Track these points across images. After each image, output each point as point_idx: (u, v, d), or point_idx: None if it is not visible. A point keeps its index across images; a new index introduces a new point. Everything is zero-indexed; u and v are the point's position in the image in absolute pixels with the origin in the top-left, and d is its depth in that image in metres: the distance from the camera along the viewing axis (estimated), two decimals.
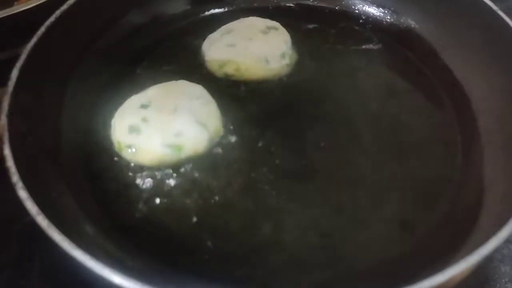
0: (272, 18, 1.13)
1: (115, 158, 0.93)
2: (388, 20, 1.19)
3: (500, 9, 0.97)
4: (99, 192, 0.89)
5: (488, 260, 0.93)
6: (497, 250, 0.91)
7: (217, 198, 0.87)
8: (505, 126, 0.92)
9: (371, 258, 0.81)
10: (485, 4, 0.99)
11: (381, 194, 0.89)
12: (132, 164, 0.92)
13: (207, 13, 1.21)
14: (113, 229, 0.84)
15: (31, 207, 0.71)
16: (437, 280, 0.65)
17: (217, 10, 1.22)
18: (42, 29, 0.93)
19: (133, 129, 0.91)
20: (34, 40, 0.91)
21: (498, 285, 0.90)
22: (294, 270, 0.80)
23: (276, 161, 0.92)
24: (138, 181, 0.90)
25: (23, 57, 0.88)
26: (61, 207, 0.81)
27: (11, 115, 0.82)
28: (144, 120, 0.92)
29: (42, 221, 0.70)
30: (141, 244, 0.83)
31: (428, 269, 0.70)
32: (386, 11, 1.20)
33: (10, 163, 0.76)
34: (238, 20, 1.13)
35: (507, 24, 0.95)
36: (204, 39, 1.11)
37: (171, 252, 0.82)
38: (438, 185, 0.91)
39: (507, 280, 0.91)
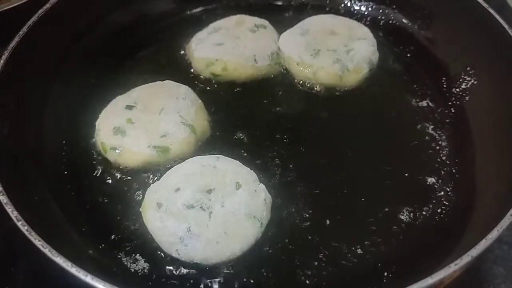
0: (260, 16, 1.12)
1: (100, 160, 0.91)
2: (382, 18, 1.18)
3: (491, 6, 0.96)
4: (83, 195, 0.88)
5: (481, 261, 0.92)
6: (490, 251, 0.91)
7: None
8: (497, 126, 0.91)
9: (363, 259, 0.80)
10: (476, 1, 0.98)
11: (374, 195, 0.88)
12: (117, 166, 0.90)
13: (194, 11, 1.20)
14: (96, 234, 0.82)
15: (11, 212, 0.70)
16: (427, 282, 0.64)
17: (204, 8, 1.20)
18: (24, 29, 0.91)
19: (118, 131, 0.89)
20: (16, 40, 0.90)
21: (491, 285, 0.89)
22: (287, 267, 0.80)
23: (265, 161, 0.91)
24: (123, 183, 0.89)
25: (4, 57, 0.86)
26: (43, 211, 0.79)
27: None
28: (129, 121, 0.90)
29: (23, 227, 0.68)
30: (127, 249, 0.81)
31: (420, 270, 0.69)
32: (380, 9, 1.18)
33: None
34: (226, 18, 1.11)
35: (498, 22, 0.94)
36: (191, 38, 1.09)
37: (157, 258, 0.80)
38: (430, 185, 0.90)
39: (500, 280, 0.90)
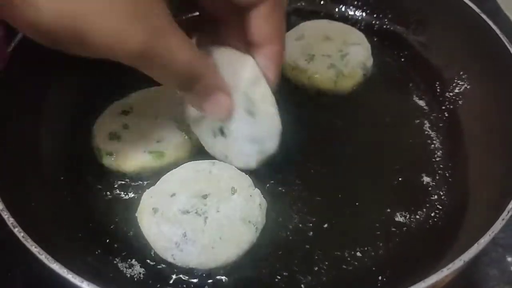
0: None
1: (96, 166, 0.91)
2: (376, 23, 1.19)
3: (482, 11, 0.98)
4: (79, 201, 0.87)
5: (476, 263, 0.92)
6: (485, 254, 0.92)
7: None
8: (489, 130, 0.92)
9: (358, 263, 0.81)
10: (468, 6, 0.99)
11: (369, 199, 0.89)
12: (113, 172, 0.90)
13: (190, 15, 1.19)
14: (92, 240, 0.82)
15: (8, 219, 0.70)
16: (420, 286, 0.65)
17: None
18: (21, 34, 0.91)
19: (114, 136, 0.90)
20: (13, 45, 0.90)
21: None
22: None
23: (260, 166, 0.91)
24: (119, 189, 0.89)
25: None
26: (39, 217, 0.79)
27: None
28: (125, 126, 0.91)
29: (19, 233, 0.69)
30: (122, 254, 0.81)
31: (414, 275, 0.70)
32: (374, 15, 1.19)
33: None
34: None
35: (491, 27, 0.95)
36: None
37: (153, 263, 0.80)
38: (424, 189, 0.90)
39: (495, 283, 0.91)
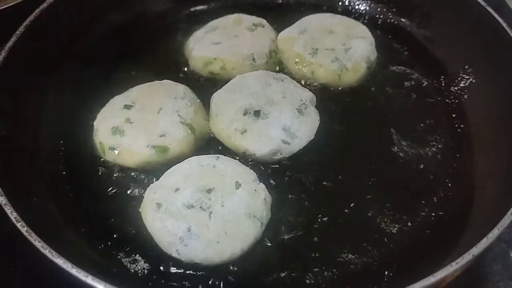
0: (258, 15, 1.12)
1: (98, 160, 0.91)
2: (380, 16, 1.18)
3: (489, 4, 0.97)
4: (82, 195, 0.87)
5: (480, 259, 0.92)
6: (489, 249, 0.91)
7: None
8: (495, 125, 0.92)
9: (364, 258, 0.81)
10: (475, 0, 0.98)
11: (375, 194, 0.88)
12: (116, 166, 0.89)
13: (191, 10, 1.19)
14: (96, 235, 0.82)
15: (11, 213, 0.70)
16: (429, 281, 0.64)
17: (201, 7, 1.20)
18: (21, 28, 0.91)
19: (117, 130, 0.89)
20: (13, 40, 0.89)
21: (490, 283, 0.90)
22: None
23: (264, 161, 0.91)
24: (122, 184, 0.88)
25: (1, 58, 0.86)
26: (42, 212, 0.79)
27: None
28: (128, 121, 0.90)
29: (22, 228, 0.68)
30: (126, 249, 0.81)
31: (421, 269, 0.69)
32: (378, 8, 1.19)
33: None
34: (224, 17, 1.11)
35: (496, 20, 0.94)
36: (188, 37, 1.09)
37: (157, 258, 0.80)
38: (430, 185, 0.90)
39: (499, 278, 0.90)
